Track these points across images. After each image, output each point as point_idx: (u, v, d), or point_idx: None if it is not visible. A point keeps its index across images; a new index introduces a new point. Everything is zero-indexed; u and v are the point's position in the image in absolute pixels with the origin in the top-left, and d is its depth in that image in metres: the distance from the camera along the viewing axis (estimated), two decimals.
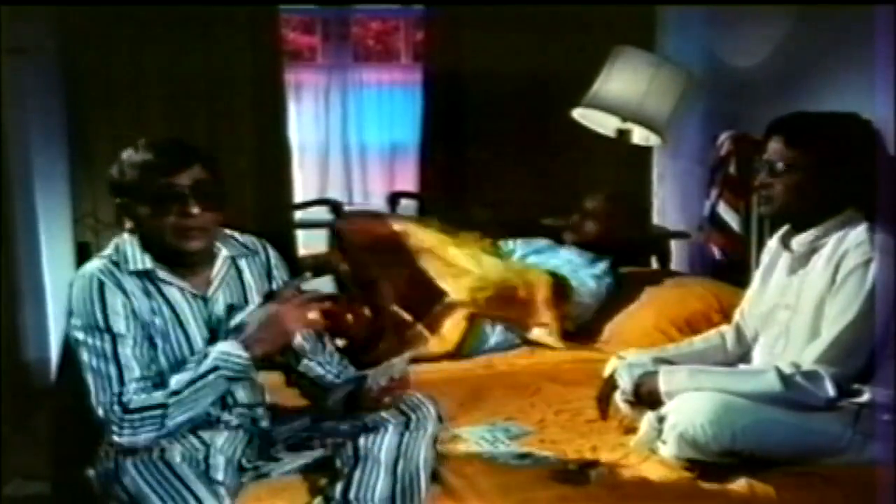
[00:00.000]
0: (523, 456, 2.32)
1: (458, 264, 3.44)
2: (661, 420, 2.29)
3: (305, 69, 4.65)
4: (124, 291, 2.03)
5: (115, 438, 1.97)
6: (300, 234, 4.28)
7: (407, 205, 4.30)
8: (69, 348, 2.48)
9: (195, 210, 2.02)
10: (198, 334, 2.09)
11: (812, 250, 2.37)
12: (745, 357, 2.57)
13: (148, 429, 1.97)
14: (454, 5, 4.22)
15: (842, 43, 3.29)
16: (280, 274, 2.25)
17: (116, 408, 1.96)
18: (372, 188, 4.63)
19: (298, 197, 4.36)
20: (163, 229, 2.04)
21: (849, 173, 2.33)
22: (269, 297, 2.17)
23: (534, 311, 3.36)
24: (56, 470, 2.40)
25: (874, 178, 2.35)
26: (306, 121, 4.56)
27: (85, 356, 2.00)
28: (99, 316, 2.00)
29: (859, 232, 2.31)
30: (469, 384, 2.95)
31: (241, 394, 2.16)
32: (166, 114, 4.00)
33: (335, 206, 4.30)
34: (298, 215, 4.32)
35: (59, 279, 3.83)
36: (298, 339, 2.21)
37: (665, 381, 2.34)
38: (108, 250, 2.10)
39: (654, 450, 2.31)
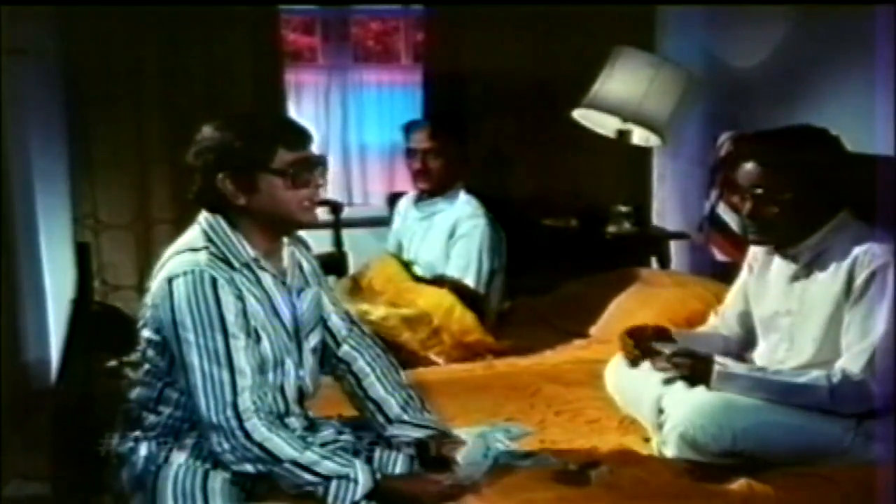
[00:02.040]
0: (524, 456, 2.32)
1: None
2: (661, 413, 2.30)
3: (305, 70, 4.64)
4: (235, 287, 1.98)
5: (217, 448, 1.94)
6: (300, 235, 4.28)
7: None
8: (70, 348, 2.48)
9: (321, 181, 2.05)
10: (289, 320, 2.09)
11: (814, 257, 2.37)
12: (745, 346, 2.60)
13: (250, 464, 1.94)
14: (454, 5, 4.22)
15: (842, 43, 3.29)
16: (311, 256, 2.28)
17: (233, 421, 1.92)
18: (372, 188, 4.63)
19: None
20: (291, 202, 2.02)
21: (832, 179, 2.33)
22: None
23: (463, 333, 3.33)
24: (56, 470, 2.40)
25: (857, 178, 2.36)
26: (306, 121, 4.53)
27: (195, 359, 1.93)
28: (214, 314, 1.93)
29: (862, 236, 2.31)
30: (469, 384, 2.95)
31: (312, 386, 2.16)
32: (166, 114, 4.00)
33: (335, 207, 4.30)
34: None
35: (59, 279, 3.82)
36: (335, 320, 2.24)
37: (718, 381, 2.32)
38: (200, 241, 2.01)
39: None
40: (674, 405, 2.32)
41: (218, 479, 1.99)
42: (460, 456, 2.14)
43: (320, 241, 4.26)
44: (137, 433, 2.05)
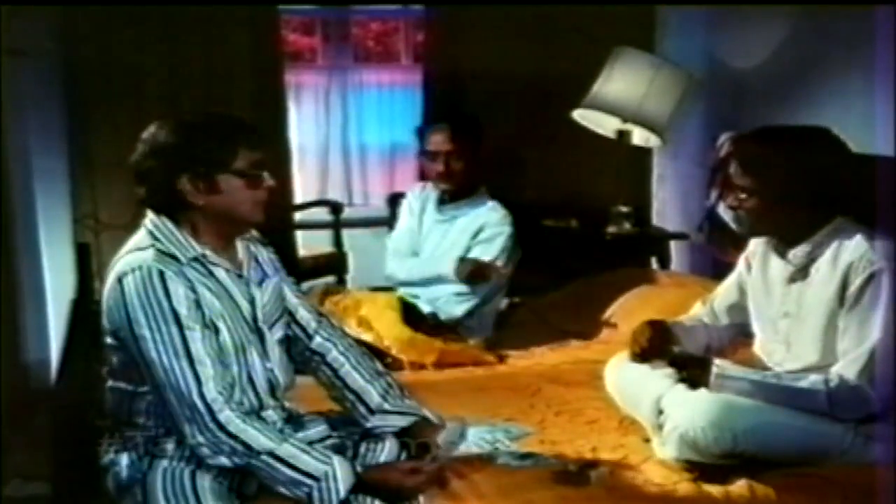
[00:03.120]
0: (524, 457, 2.32)
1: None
2: (660, 413, 2.30)
3: (306, 70, 4.66)
4: (186, 280, 1.98)
5: (192, 441, 1.94)
6: (300, 235, 4.28)
7: None
8: (70, 348, 2.47)
9: (270, 182, 2.06)
10: (248, 312, 2.09)
11: (810, 261, 2.36)
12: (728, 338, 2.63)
13: (226, 456, 1.94)
14: (454, 6, 4.22)
15: (842, 44, 3.29)
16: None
17: (205, 414, 1.91)
18: (372, 189, 4.64)
19: (298, 198, 4.36)
20: (247, 202, 2.05)
21: (830, 181, 2.31)
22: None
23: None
24: (56, 470, 2.40)
25: (856, 185, 2.34)
26: (306, 122, 4.57)
27: (154, 354, 1.93)
28: (165, 307, 1.94)
29: (858, 241, 2.29)
30: (469, 385, 2.95)
31: (283, 378, 2.15)
32: (166, 114, 3.98)
33: (335, 207, 4.31)
34: (298, 216, 4.32)
35: (59, 279, 3.82)
36: (303, 312, 2.24)
37: (716, 384, 2.33)
38: (146, 241, 2.02)
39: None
40: (674, 406, 2.31)
41: (206, 479, 1.99)
42: (440, 439, 2.15)
43: (320, 241, 4.30)
44: (118, 444, 2.05)
